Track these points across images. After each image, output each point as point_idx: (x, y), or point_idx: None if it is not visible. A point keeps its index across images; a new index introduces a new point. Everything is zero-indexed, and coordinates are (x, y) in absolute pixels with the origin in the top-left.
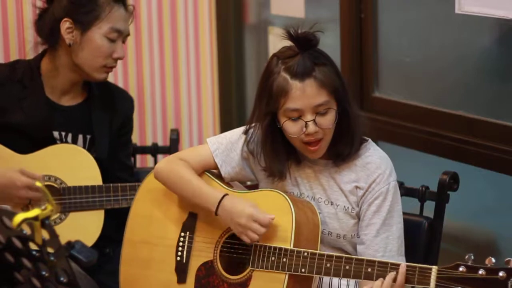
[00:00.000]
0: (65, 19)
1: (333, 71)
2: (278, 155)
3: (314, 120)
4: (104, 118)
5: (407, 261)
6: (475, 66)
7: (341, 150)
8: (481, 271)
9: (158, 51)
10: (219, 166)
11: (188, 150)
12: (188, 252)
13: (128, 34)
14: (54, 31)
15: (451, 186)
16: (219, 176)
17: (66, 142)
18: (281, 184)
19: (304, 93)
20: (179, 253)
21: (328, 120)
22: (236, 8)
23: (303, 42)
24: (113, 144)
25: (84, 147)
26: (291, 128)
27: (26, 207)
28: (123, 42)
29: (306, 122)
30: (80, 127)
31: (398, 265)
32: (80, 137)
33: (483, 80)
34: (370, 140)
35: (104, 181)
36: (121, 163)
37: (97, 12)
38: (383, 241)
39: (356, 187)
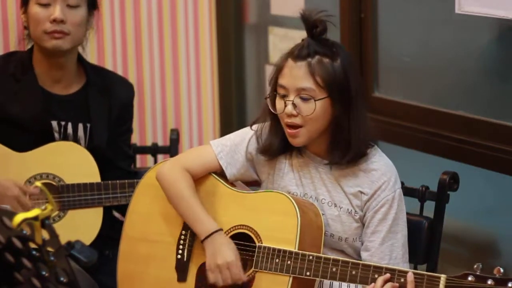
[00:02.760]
0: (21, 6)
1: (337, 68)
2: (277, 131)
3: (293, 102)
4: (102, 105)
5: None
6: (475, 66)
7: (336, 155)
8: (490, 281)
9: (158, 51)
10: (224, 168)
11: (191, 153)
12: (189, 251)
13: None
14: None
15: (451, 186)
16: (223, 177)
17: (66, 132)
18: (285, 183)
19: (291, 73)
20: (180, 251)
21: (308, 108)
22: (236, 8)
23: (310, 26)
24: (113, 132)
25: (85, 136)
26: (277, 103)
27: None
28: (68, 5)
29: (285, 101)
30: (80, 116)
31: (406, 272)
32: (80, 126)
33: (483, 80)
34: (376, 146)
35: (104, 170)
36: (121, 152)
37: None
38: (388, 249)
39: (360, 191)
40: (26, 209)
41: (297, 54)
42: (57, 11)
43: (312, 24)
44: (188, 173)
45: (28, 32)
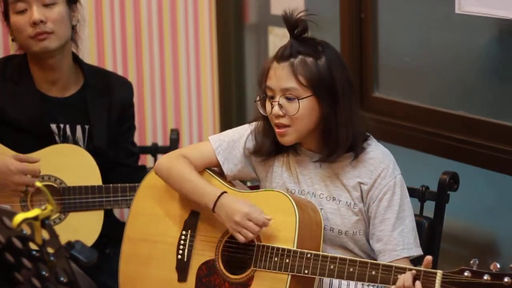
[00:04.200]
0: (4, 20)
1: (321, 66)
2: (268, 132)
3: (278, 102)
4: (101, 106)
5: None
6: (475, 66)
7: (326, 152)
8: (486, 276)
9: (158, 51)
10: (221, 163)
11: (189, 147)
12: (190, 251)
13: None
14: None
15: (451, 186)
16: (220, 174)
17: (65, 134)
18: (283, 181)
19: (275, 74)
20: (180, 252)
21: (293, 107)
22: (236, 8)
23: (292, 27)
24: (115, 131)
25: (83, 138)
26: (267, 106)
27: (24, 196)
28: (45, 5)
29: (271, 103)
30: (77, 118)
31: (404, 269)
32: (79, 128)
33: (483, 80)
34: (371, 136)
35: (110, 170)
36: (126, 150)
37: None
38: (400, 235)
39: (360, 183)
40: (37, 175)
41: (280, 55)
42: (34, 13)
43: (293, 25)
44: (186, 158)
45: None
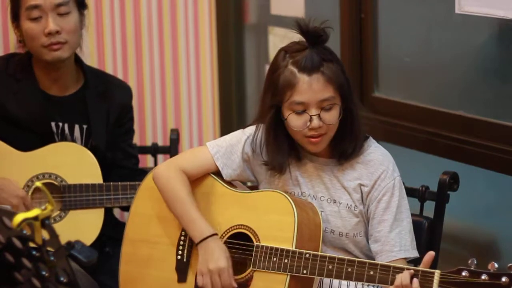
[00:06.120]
0: (12, 21)
1: (339, 68)
2: (280, 148)
3: (318, 115)
4: (100, 107)
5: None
6: (475, 66)
7: (345, 148)
8: (483, 276)
9: (158, 51)
10: (220, 169)
11: (187, 154)
12: (189, 251)
13: (57, 3)
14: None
15: (451, 186)
16: (221, 177)
17: (63, 133)
18: (282, 183)
19: (311, 87)
20: (180, 252)
21: (333, 116)
22: (236, 8)
23: (313, 37)
24: (113, 134)
25: (81, 138)
26: (295, 121)
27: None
28: (60, 14)
29: (310, 116)
30: (76, 117)
31: (401, 269)
32: (77, 127)
33: (483, 80)
34: (370, 137)
35: (109, 170)
36: (124, 152)
37: (14, 1)
38: (397, 236)
39: (360, 184)
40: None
41: (310, 67)
42: (50, 24)
43: (313, 34)
44: (183, 174)
45: (24, 45)
